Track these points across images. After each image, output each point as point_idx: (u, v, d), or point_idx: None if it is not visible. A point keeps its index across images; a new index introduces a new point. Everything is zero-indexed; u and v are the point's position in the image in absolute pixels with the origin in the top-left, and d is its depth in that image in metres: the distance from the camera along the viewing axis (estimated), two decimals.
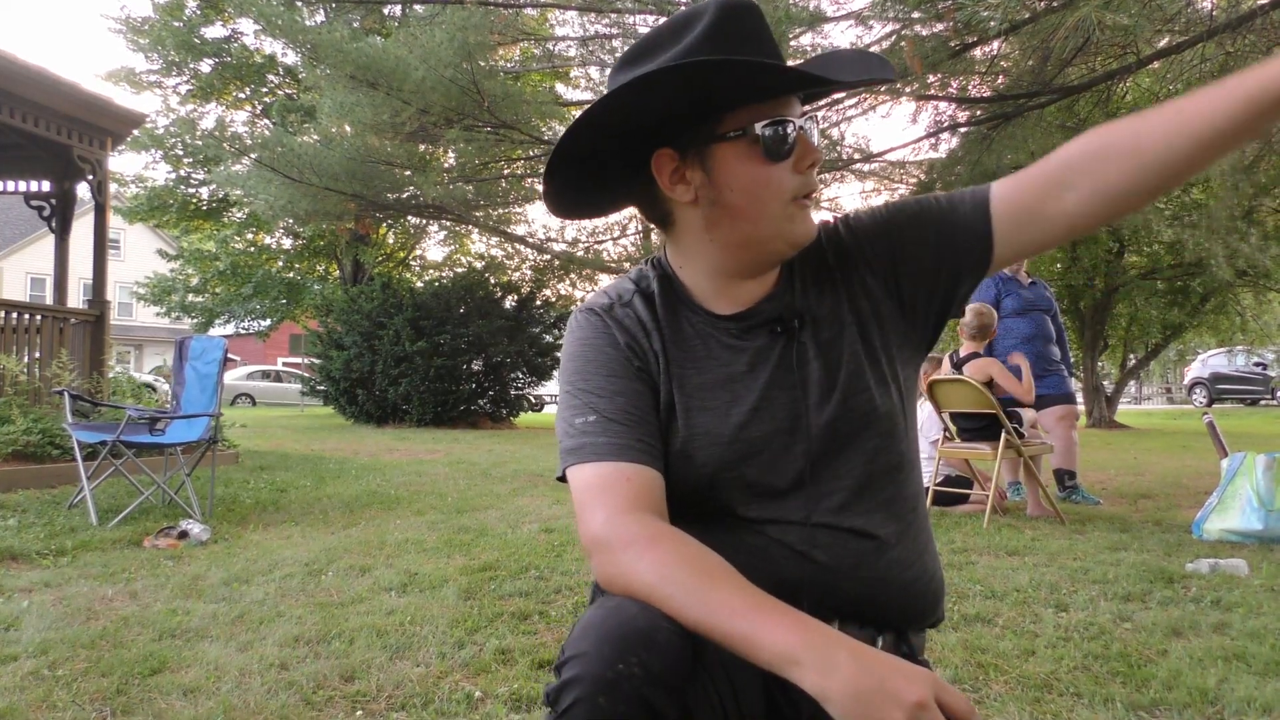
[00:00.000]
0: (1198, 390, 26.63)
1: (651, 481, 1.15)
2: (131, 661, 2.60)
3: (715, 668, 1.04)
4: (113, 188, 14.92)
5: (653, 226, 1.31)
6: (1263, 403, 24.70)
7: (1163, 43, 6.77)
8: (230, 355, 6.67)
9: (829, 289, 1.25)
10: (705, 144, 1.17)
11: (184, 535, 4.51)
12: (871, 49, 8.24)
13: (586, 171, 1.25)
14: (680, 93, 1.12)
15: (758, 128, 1.14)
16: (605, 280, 18.20)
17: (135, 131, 11.31)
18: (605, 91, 1.16)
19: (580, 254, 17.58)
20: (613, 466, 1.14)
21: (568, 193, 1.28)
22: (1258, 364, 23.85)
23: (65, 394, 5.52)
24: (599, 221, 18.05)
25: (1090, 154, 1.11)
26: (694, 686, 0.99)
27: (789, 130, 1.15)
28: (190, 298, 24.55)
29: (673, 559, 1.02)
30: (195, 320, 24.63)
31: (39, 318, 8.20)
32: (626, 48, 1.24)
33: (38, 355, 8.04)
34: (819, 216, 1.27)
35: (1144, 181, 1.08)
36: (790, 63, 1.17)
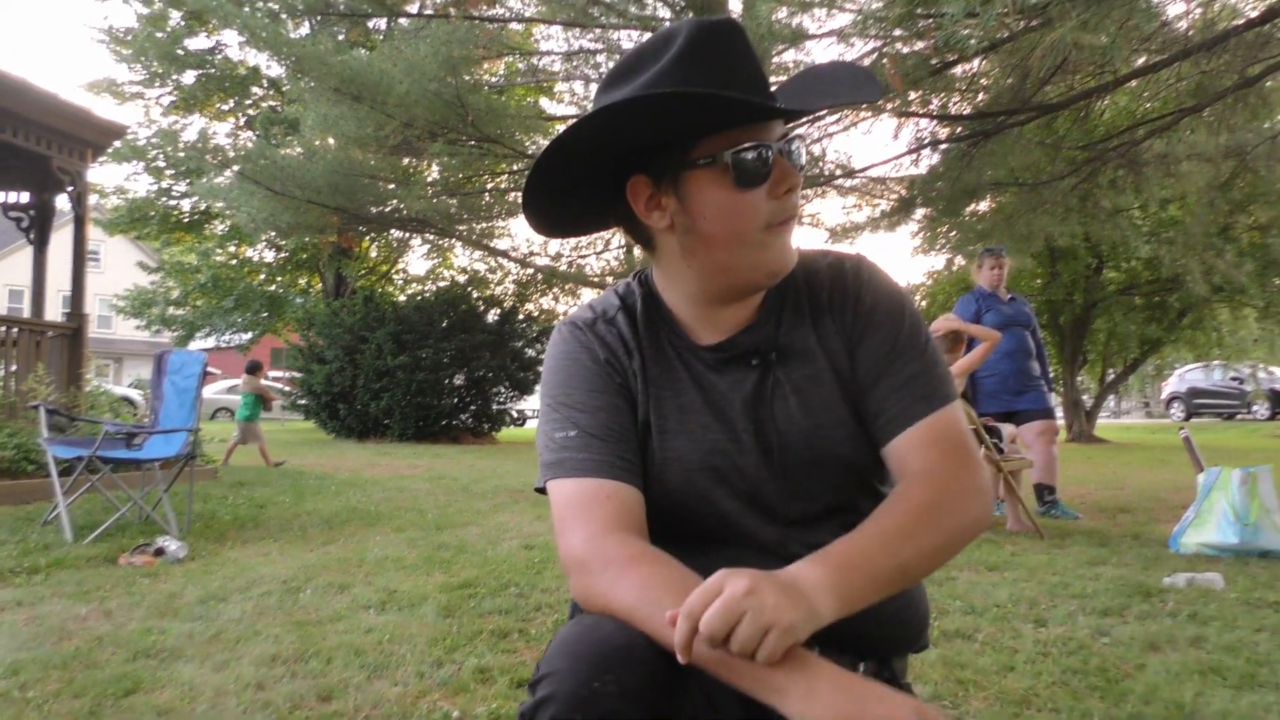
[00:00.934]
0: (1175, 405, 26.84)
1: (631, 499, 1.15)
2: (105, 682, 2.57)
3: (694, 689, 1.03)
4: (93, 199, 14.84)
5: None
6: (1239, 417, 24.91)
7: (1140, 62, 6.85)
8: (210, 369, 6.63)
9: (814, 324, 1.24)
10: (678, 171, 1.15)
11: (160, 552, 4.47)
12: None
13: (568, 194, 1.24)
14: (641, 124, 1.11)
15: (727, 155, 1.11)
16: (588, 295, 18.22)
17: (116, 143, 11.25)
18: (590, 108, 1.15)
19: (563, 268, 17.58)
20: (593, 483, 1.14)
21: (549, 213, 1.28)
22: (1234, 379, 24.05)
23: (41, 408, 5.47)
24: (582, 236, 18.07)
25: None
26: (672, 706, 0.97)
27: (760, 156, 1.12)
28: (171, 310, 24.39)
29: (653, 580, 1.01)
30: (175, 333, 24.47)
31: (15, 330, 8.11)
32: (610, 63, 1.24)
33: (14, 369, 7.96)
34: (820, 241, 1.26)
35: None
36: (774, 79, 1.16)
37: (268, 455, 10.60)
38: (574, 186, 1.22)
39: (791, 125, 1.21)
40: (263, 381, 10.78)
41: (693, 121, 1.12)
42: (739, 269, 1.18)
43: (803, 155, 1.18)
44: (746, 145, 1.11)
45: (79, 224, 8.99)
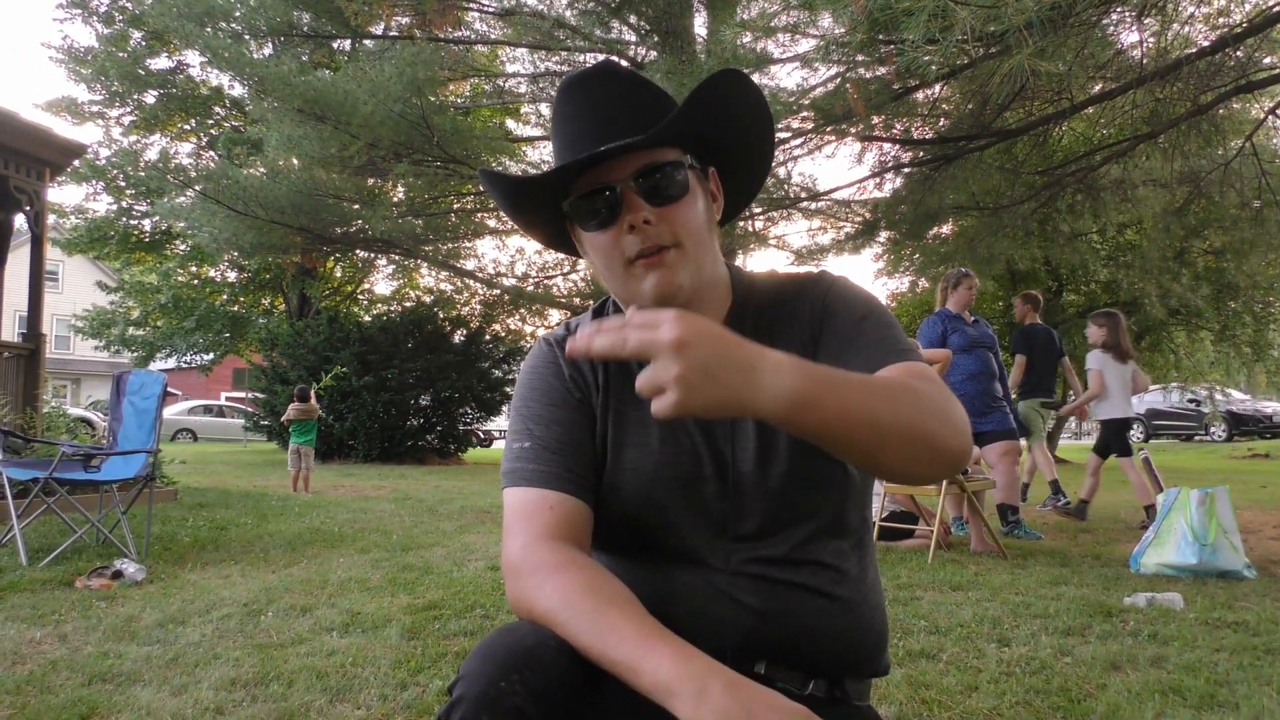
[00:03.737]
0: (1135, 426, 27.28)
1: (574, 510, 1.17)
2: (59, 708, 2.51)
3: (609, 697, 1.02)
4: (51, 219, 14.62)
5: None
6: (1197, 438, 25.34)
7: (1096, 89, 7.00)
8: (171, 390, 6.53)
9: (773, 339, 1.23)
10: (568, 216, 1.25)
11: (118, 575, 4.39)
12: (817, 90, 8.42)
13: (535, 226, 1.33)
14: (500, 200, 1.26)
15: (565, 205, 1.21)
16: (555, 316, 18.22)
17: (76, 162, 11.10)
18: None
19: (530, 289, 17.58)
20: (538, 493, 1.17)
21: (536, 236, 1.36)
22: (1191, 401, 24.48)
23: None
24: (548, 256, 18.10)
25: None
26: (593, 711, 0.99)
27: (593, 202, 1.18)
28: (130, 331, 23.99)
29: (575, 585, 1.03)
30: (135, 354, 24.02)
31: None
32: None
33: None
34: (773, 261, 1.28)
35: None
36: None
37: (308, 483, 10.41)
38: (534, 221, 1.31)
39: (681, 151, 1.21)
40: (314, 404, 10.87)
41: (524, 193, 1.24)
42: (628, 298, 1.24)
43: (673, 185, 1.17)
44: (582, 193, 1.19)
45: (37, 243, 8.84)
